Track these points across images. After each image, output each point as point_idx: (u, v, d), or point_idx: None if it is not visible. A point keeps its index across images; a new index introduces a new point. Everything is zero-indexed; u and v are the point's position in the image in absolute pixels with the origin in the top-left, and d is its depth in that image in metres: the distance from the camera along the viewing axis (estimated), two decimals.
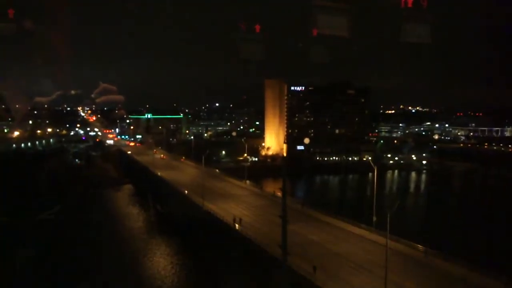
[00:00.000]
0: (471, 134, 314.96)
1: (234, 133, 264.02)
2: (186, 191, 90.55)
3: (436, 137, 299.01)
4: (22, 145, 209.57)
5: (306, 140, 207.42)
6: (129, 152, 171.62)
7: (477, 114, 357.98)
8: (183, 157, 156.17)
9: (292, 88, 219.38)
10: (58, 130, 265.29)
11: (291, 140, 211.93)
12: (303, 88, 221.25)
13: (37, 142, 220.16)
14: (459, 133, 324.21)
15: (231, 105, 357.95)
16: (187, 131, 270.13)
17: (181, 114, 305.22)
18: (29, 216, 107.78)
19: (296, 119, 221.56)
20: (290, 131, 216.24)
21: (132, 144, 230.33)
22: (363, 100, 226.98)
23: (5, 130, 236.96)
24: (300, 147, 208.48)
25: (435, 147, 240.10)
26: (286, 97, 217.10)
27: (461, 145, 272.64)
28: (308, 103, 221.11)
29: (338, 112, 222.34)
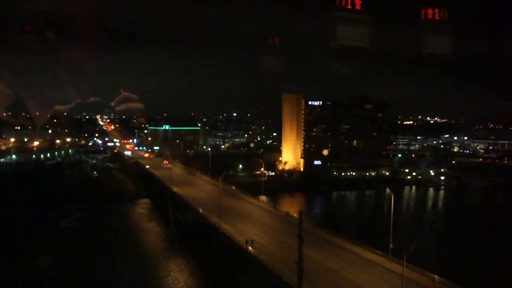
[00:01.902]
0: (490, 147, 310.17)
1: (252, 145, 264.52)
2: (200, 210, 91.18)
3: (456, 149, 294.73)
4: (42, 155, 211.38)
5: (325, 152, 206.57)
6: (147, 167, 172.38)
7: (496, 126, 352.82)
8: (198, 172, 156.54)
9: (310, 102, 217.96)
10: (76, 140, 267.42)
11: (308, 155, 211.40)
12: (321, 103, 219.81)
13: (56, 153, 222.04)
14: (478, 147, 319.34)
15: (248, 115, 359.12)
16: (203, 146, 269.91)
17: (199, 125, 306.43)
18: (51, 223, 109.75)
19: (314, 133, 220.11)
20: (307, 146, 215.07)
21: (147, 155, 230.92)
22: (381, 115, 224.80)
23: (25, 139, 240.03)
24: (317, 162, 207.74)
25: (453, 162, 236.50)
26: (303, 112, 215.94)
27: (480, 159, 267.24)
28: (325, 118, 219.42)
29: (356, 127, 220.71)
